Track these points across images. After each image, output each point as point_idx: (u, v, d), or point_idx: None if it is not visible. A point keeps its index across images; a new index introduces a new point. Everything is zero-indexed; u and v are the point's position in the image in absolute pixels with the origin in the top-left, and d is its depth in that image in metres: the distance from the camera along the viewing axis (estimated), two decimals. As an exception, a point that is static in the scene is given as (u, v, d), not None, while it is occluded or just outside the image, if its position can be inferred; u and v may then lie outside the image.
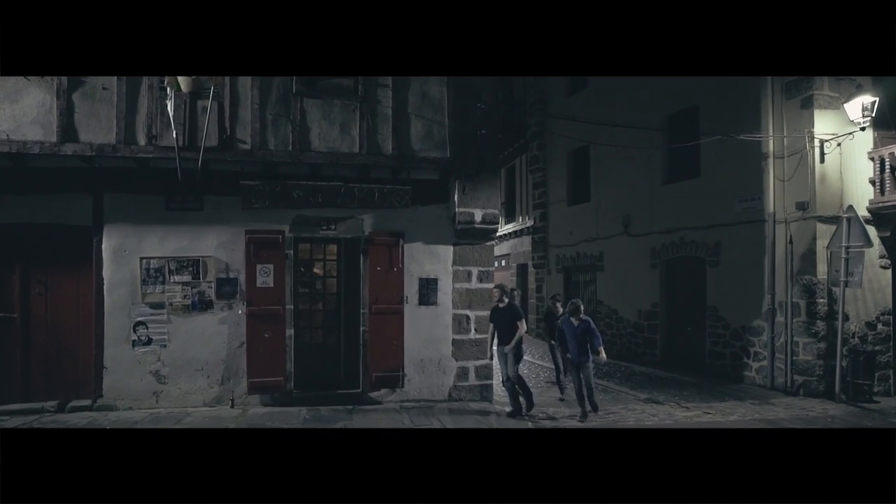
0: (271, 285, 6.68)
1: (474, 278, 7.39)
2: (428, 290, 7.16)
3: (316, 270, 7.42)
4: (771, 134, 8.46)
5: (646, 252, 10.89)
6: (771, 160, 8.53)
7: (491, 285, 7.47)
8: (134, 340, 6.39)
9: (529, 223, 14.77)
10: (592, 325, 6.63)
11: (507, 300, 6.69)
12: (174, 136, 6.06)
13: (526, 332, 6.85)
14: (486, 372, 7.40)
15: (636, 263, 11.12)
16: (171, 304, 6.48)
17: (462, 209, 7.11)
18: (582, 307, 6.85)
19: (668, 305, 10.63)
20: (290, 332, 6.82)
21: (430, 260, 7.23)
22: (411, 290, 7.13)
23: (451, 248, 7.29)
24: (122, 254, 6.39)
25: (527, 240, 15.02)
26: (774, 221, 8.48)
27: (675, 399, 7.98)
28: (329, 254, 7.35)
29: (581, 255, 12.79)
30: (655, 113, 10.45)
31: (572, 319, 6.67)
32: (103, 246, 6.34)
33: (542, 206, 14.20)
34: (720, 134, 8.61)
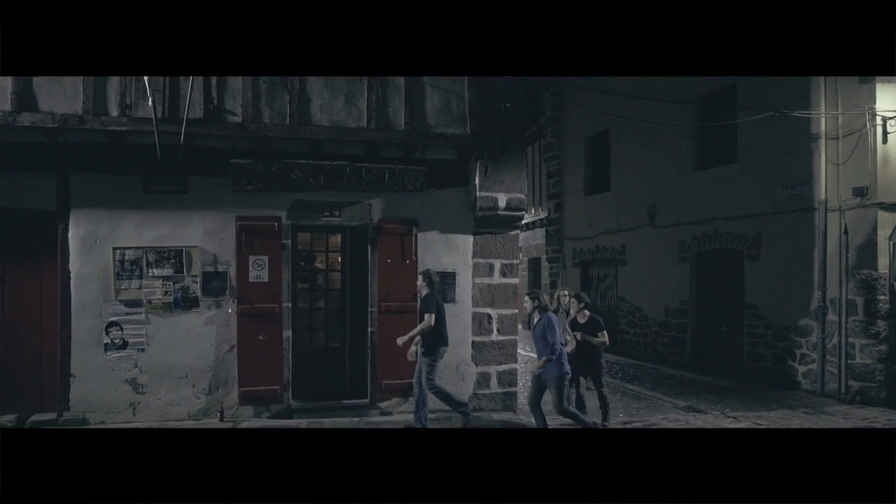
0: (266, 280, 5.80)
1: (497, 272, 6.52)
2: (445, 285, 6.29)
3: (317, 263, 6.54)
4: (824, 111, 7.59)
5: (674, 245, 10.05)
6: (823, 141, 7.66)
7: (515, 280, 6.62)
8: (106, 344, 5.51)
9: (543, 215, 13.91)
10: (554, 320, 5.34)
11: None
12: (151, 105, 5.17)
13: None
14: (509, 378, 6.55)
15: (663, 257, 10.29)
16: (149, 301, 5.61)
17: (484, 193, 6.23)
18: (545, 297, 5.62)
19: (699, 303, 9.79)
20: (287, 333, 5.95)
21: (448, 251, 6.35)
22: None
23: (470, 237, 6.42)
24: (92, 243, 5.50)
25: (540, 232, 14.16)
26: (826, 209, 7.62)
27: (718, 407, 7.15)
28: (332, 244, 6.47)
29: (600, 248, 11.94)
30: (686, 93, 9.58)
31: (535, 316, 5.51)
32: (70, 234, 5.45)
33: (556, 197, 13.33)
34: (769, 111, 7.73)
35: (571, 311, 6.22)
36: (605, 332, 5.86)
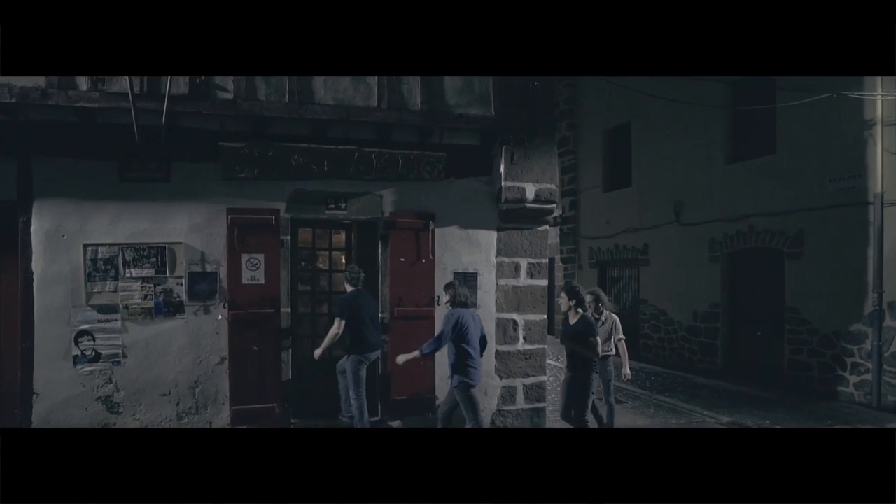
0: (262, 282, 5.04)
1: (523, 272, 5.77)
2: (466, 287, 5.53)
3: (320, 263, 5.79)
4: (880, 93, 6.87)
5: (703, 243, 9.32)
6: (879, 128, 6.95)
7: (544, 282, 5.86)
8: (76, 356, 4.74)
9: (557, 213, 13.16)
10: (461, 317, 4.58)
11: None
12: (128, 78, 4.40)
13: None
14: (537, 392, 5.79)
15: (691, 257, 9.57)
16: (126, 306, 4.83)
17: (509, 183, 5.48)
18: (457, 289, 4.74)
19: (732, 306, 9.06)
20: (286, 343, 5.19)
21: (468, 249, 5.60)
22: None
23: (494, 233, 5.67)
24: (58, 239, 4.73)
25: (553, 231, 13.41)
26: (882, 204, 6.91)
27: (766, 423, 6.43)
28: (338, 241, 5.72)
29: (620, 247, 11.21)
30: (716, 80, 8.84)
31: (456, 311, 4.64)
32: (33, 228, 4.67)
33: (572, 194, 12.59)
34: (818, 94, 7.00)
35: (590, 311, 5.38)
36: (596, 339, 4.64)
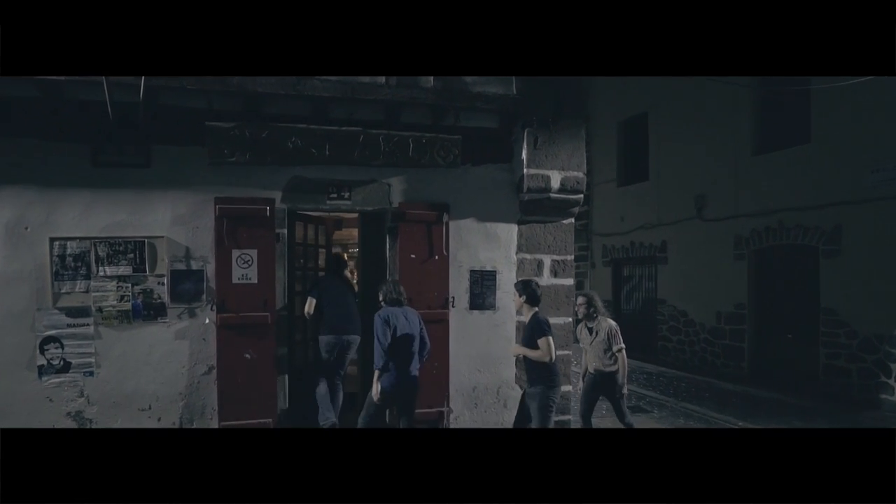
0: (254, 281, 4.45)
1: (546, 270, 5.20)
2: (483, 287, 4.97)
3: (321, 261, 5.20)
4: (932, 77, 6.29)
5: (727, 240, 8.77)
6: (929, 113, 6.39)
7: (569, 280, 5.29)
8: (41, 366, 4.15)
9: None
10: (420, 318, 4.20)
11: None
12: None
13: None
14: (562, 404, 5.20)
15: (714, 254, 9.01)
16: (100, 309, 4.24)
17: (532, 171, 4.90)
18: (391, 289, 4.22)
19: (759, 306, 8.49)
20: (282, 350, 4.61)
21: (486, 244, 5.02)
22: (460, 287, 4.93)
23: (514, 227, 5.09)
24: (20, 233, 4.13)
25: (562, 228, 12.84)
26: (932, 195, 6.35)
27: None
28: (341, 235, 5.13)
29: (636, 244, 10.64)
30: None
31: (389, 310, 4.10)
32: (-9, 220, 4.09)
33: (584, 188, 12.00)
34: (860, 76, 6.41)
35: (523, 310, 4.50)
36: (548, 340, 3.87)
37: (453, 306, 4.87)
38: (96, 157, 4.24)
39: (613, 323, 4.88)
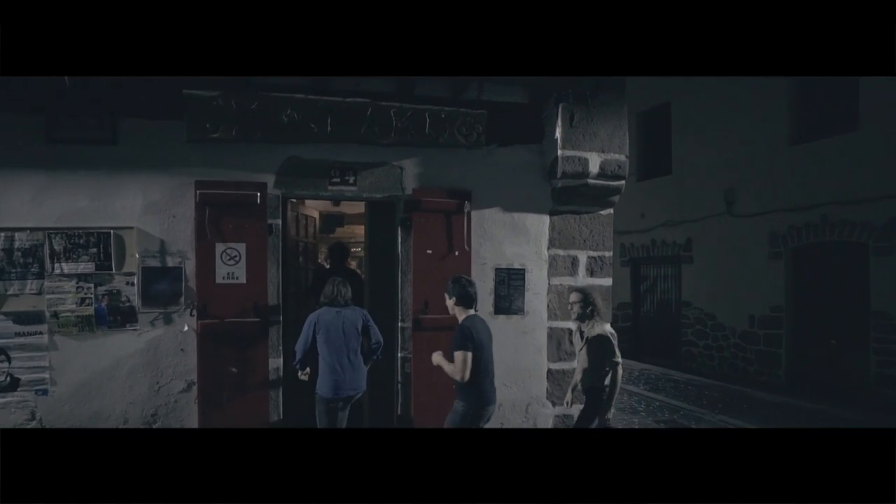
0: (242, 281, 3.75)
1: (582, 269, 4.51)
2: (510, 288, 4.28)
3: (321, 259, 4.49)
4: None
5: (761, 237, 8.09)
6: None
7: (607, 280, 4.60)
8: (-16, 383, 3.45)
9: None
10: (367, 317, 3.64)
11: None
12: None
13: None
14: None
15: (745, 253, 8.33)
16: (55, 314, 3.54)
17: (568, 152, 4.22)
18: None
19: (798, 309, 7.80)
20: (275, 363, 3.90)
21: (514, 238, 4.33)
22: (483, 288, 4.22)
23: (546, 218, 4.41)
24: (-42, 222, 3.43)
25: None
26: None
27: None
28: (344, 228, 4.43)
29: (657, 243, 9.97)
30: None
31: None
32: (-79, 207, 3.39)
33: (599, 183, 11.33)
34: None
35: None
36: (464, 356, 3.09)
37: (476, 310, 4.16)
38: (52, 132, 3.54)
39: (608, 328, 3.78)
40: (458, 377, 3.12)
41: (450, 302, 3.31)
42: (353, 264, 5.94)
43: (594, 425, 3.75)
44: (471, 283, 3.32)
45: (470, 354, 3.07)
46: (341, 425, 3.49)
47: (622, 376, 3.73)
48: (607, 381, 3.69)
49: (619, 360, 3.68)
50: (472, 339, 3.12)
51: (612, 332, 3.78)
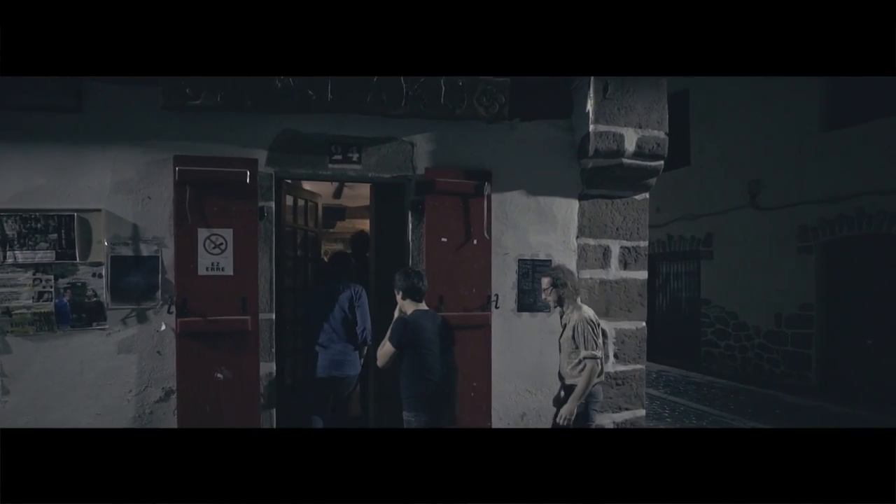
0: (229, 273, 3.24)
1: (614, 260, 4.00)
2: (535, 282, 3.76)
3: (323, 251, 3.98)
4: None
5: (789, 231, 7.60)
6: None
7: (643, 274, 4.10)
8: (-77, 392, 2.94)
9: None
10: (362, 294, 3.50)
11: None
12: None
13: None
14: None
15: (771, 247, 7.85)
16: (7, 311, 3.02)
17: (601, 128, 3.70)
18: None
19: (830, 308, 7.31)
20: (267, 367, 3.39)
21: (539, 225, 3.82)
22: (505, 282, 3.72)
23: (574, 203, 3.90)
24: None
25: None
26: None
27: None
28: (347, 214, 3.92)
29: (674, 238, 9.48)
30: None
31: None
32: None
33: (611, 176, 10.84)
34: None
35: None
36: (386, 344, 2.88)
37: (497, 307, 3.66)
38: (3, 97, 3.02)
39: (589, 314, 3.19)
40: (379, 364, 2.97)
41: (398, 296, 2.96)
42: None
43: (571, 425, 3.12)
44: (419, 276, 2.96)
45: (393, 350, 2.84)
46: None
47: (600, 375, 3.12)
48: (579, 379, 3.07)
49: (598, 354, 3.07)
50: (403, 336, 2.82)
51: (593, 318, 3.16)
